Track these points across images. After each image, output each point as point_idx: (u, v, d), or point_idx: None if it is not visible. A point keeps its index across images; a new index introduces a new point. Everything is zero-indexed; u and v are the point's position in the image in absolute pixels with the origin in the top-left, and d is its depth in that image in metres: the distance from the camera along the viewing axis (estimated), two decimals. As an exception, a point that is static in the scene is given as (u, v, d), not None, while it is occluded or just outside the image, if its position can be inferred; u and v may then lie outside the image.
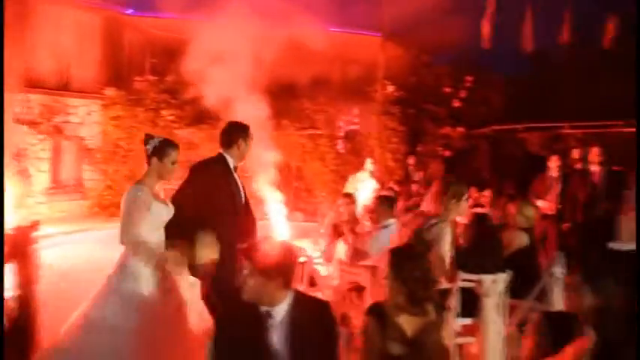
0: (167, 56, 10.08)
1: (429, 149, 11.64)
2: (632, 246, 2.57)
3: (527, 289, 3.75)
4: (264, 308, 2.16)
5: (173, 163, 3.08)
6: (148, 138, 3.11)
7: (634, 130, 9.40)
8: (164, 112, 10.77)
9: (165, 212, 3.06)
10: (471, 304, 3.82)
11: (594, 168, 6.70)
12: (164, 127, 10.64)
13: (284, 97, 10.39)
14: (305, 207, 10.67)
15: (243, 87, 7.39)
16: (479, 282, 3.86)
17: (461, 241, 4.21)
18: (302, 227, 7.79)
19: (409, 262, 2.35)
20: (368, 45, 11.78)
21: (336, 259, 4.70)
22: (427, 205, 6.15)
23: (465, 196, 3.90)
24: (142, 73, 11.49)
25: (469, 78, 12.38)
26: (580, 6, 12.65)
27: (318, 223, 6.74)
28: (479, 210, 5.73)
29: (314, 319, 2.15)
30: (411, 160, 9.73)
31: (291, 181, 11.02)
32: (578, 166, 7.30)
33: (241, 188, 3.57)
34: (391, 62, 11.62)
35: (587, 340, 2.25)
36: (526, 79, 14.31)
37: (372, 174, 8.23)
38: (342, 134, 11.27)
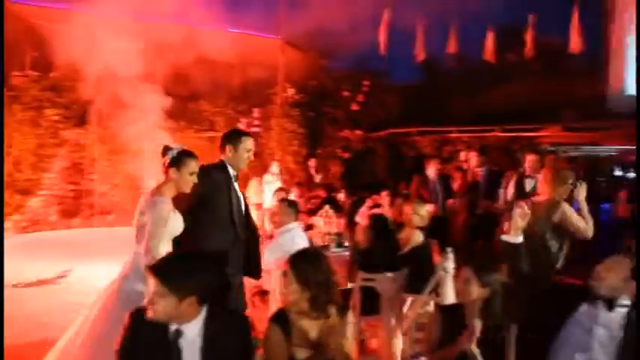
0: (51, 50, 9.28)
1: (329, 151, 11.92)
2: (519, 239, 2.84)
3: (423, 285, 3.96)
4: (173, 326, 2.03)
5: (191, 173, 3.03)
6: (167, 148, 3.06)
7: (510, 134, 10.40)
8: (48, 112, 9.90)
9: (180, 224, 3.02)
10: (371, 301, 3.95)
11: (477, 169, 7.28)
12: (48, 127, 9.79)
13: (181, 97, 10.06)
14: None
15: (136, 86, 7.02)
16: (378, 280, 4.01)
17: (361, 241, 4.34)
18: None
19: (311, 265, 2.36)
20: (268, 47, 11.78)
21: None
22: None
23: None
24: (22, 67, 10.46)
25: (366, 82, 12.85)
26: (465, 19, 13.69)
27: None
28: (377, 211, 5.96)
29: (229, 334, 2.07)
30: (312, 163, 9.88)
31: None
32: (465, 167, 7.90)
33: (241, 198, 3.48)
34: (291, 65, 11.73)
35: (476, 328, 2.43)
36: (419, 85, 15.19)
37: (278, 177, 8.23)
38: (241, 137, 11.14)
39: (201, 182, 3.13)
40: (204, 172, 3.22)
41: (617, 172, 10.55)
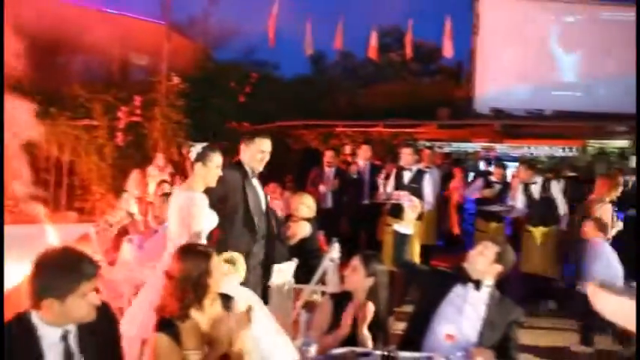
0: None
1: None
2: (410, 230, 3.02)
3: (311, 275, 4.05)
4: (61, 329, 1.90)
5: (217, 167, 3.14)
6: (191, 145, 3.19)
7: (391, 130, 11.00)
8: None
9: (215, 219, 3.12)
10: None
11: (362, 162, 7.61)
12: None
13: (51, 79, 9.16)
14: (80, 206, 9.63)
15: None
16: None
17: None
18: (77, 229, 6.98)
19: (192, 261, 2.31)
20: (152, 33, 11.16)
21: (122, 260, 4.36)
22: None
23: None
24: None
25: (254, 75, 12.75)
26: (350, 18, 14.16)
27: (96, 224, 6.11)
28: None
29: (96, 325, 1.97)
30: (199, 155, 9.59)
31: (63, 178, 9.82)
32: (349, 160, 8.20)
33: (260, 196, 3.57)
34: (177, 53, 11.25)
35: (366, 311, 2.56)
36: (307, 79, 15.42)
37: (163, 169, 7.87)
38: (122, 126, 10.42)
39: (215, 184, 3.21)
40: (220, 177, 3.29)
41: (482, 167, 11.63)
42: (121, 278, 4.07)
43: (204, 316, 2.31)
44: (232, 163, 3.57)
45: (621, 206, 7.78)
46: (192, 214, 2.96)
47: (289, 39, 14.32)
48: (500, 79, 11.15)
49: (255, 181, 3.62)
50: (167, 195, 4.53)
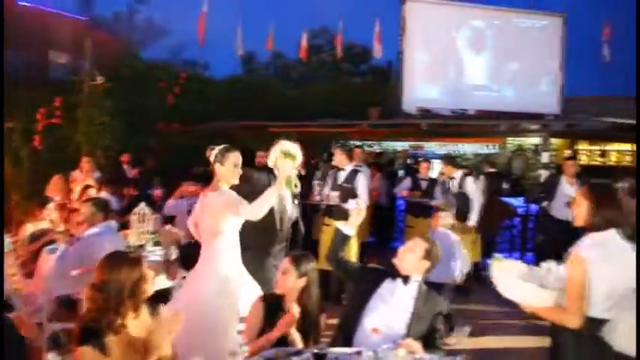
0: None
1: (144, 145, 11.25)
2: (352, 232, 3.09)
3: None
4: None
5: (235, 165, 3.36)
6: (211, 149, 3.41)
7: (324, 130, 11.13)
8: None
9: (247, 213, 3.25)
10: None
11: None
12: None
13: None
14: (-6, 213, 8.97)
15: None
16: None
17: (176, 239, 4.23)
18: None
19: (126, 269, 2.24)
20: (72, 29, 10.61)
21: (41, 272, 4.11)
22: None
23: None
24: None
25: (184, 75, 12.45)
26: (281, 18, 14.18)
27: (12, 233, 5.71)
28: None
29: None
30: (125, 157, 9.22)
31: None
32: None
33: (286, 199, 3.81)
34: (101, 51, 10.75)
35: (293, 315, 2.59)
36: (239, 79, 15.22)
37: (88, 173, 7.49)
38: (39, 129, 9.80)
39: (241, 186, 3.41)
40: (244, 176, 3.47)
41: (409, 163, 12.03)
42: (40, 291, 3.85)
43: (135, 323, 2.25)
44: (260, 167, 3.85)
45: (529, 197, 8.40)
46: (234, 201, 3.20)
47: (220, 39, 14.13)
48: (425, 80, 11.61)
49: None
50: (93, 200, 4.33)
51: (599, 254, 2.36)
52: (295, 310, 2.62)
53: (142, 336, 2.22)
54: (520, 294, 2.43)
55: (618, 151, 13.48)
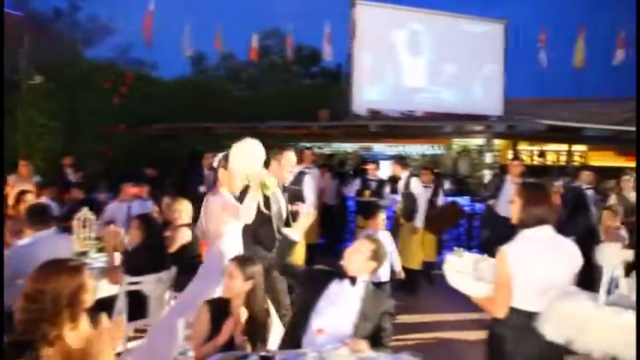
0: None
1: (88, 148, 10.85)
2: (298, 237, 3.11)
3: (189, 281, 3.97)
4: None
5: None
6: (214, 156, 3.65)
7: (275, 131, 11.10)
8: None
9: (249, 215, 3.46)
10: (139, 304, 3.81)
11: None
12: None
13: None
14: None
15: None
16: (145, 282, 3.87)
17: (118, 244, 4.10)
18: None
19: (66, 277, 2.15)
20: (7, 25, 10.09)
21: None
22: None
23: None
24: None
25: (130, 74, 12.10)
26: (231, 19, 14.05)
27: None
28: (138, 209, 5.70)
29: None
30: (67, 160, 8.88)
31: None
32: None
33: (281, 204, 3.88)
34: (40, 49, 10.30)
35: (239, 317, 2.58)
36: (187, 80, 14.93)
37: (26, 177, 7.16)
38: (-25, 130, 9.28)
39: (241, 193, 3.54)
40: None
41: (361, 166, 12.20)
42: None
43: (73, 334, 2.17)
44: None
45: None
46: (226, 210, 3.40)
47: (168, 39, 13.82)
48: (371, 82, 11.83)
49: (279, 192, 3.92)
50: (32, 207, 4.14)
51: (525, 249, 2.49)
52: (242, 313, 2.62)
53: (80, 347, 2.15)
54: (463, 285, 2.59)
55: (555, 152, 14.17)
